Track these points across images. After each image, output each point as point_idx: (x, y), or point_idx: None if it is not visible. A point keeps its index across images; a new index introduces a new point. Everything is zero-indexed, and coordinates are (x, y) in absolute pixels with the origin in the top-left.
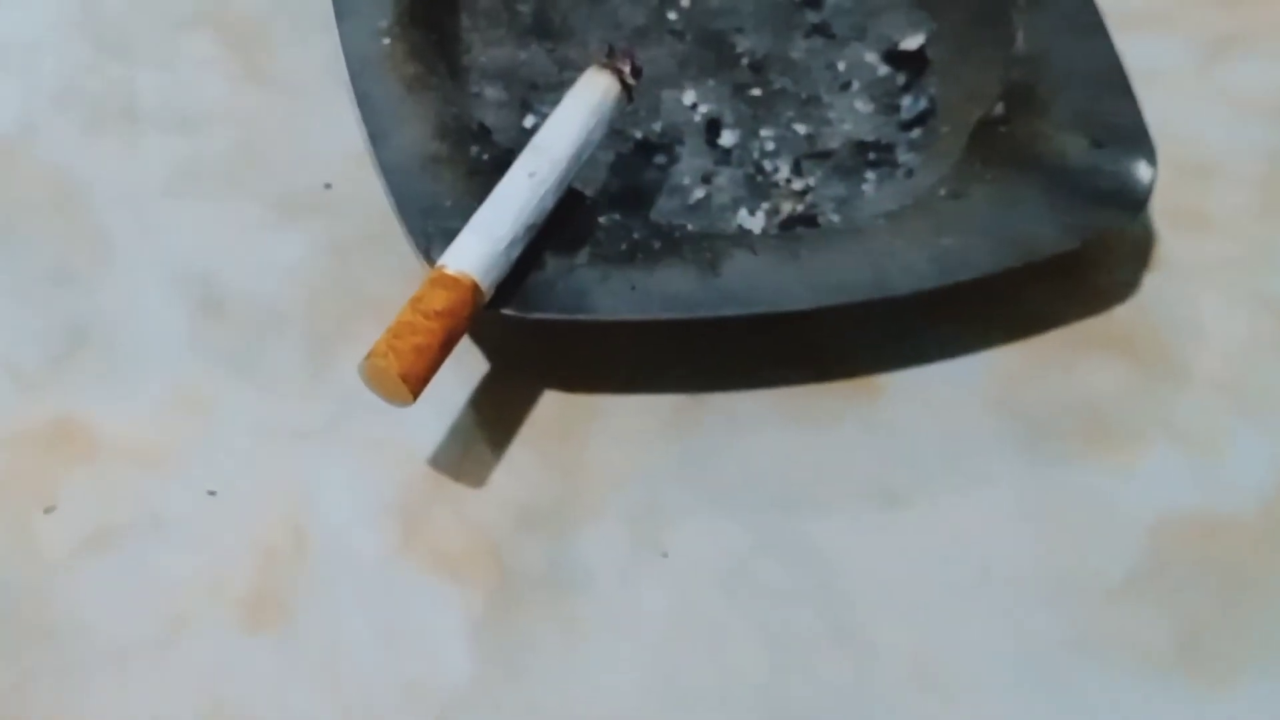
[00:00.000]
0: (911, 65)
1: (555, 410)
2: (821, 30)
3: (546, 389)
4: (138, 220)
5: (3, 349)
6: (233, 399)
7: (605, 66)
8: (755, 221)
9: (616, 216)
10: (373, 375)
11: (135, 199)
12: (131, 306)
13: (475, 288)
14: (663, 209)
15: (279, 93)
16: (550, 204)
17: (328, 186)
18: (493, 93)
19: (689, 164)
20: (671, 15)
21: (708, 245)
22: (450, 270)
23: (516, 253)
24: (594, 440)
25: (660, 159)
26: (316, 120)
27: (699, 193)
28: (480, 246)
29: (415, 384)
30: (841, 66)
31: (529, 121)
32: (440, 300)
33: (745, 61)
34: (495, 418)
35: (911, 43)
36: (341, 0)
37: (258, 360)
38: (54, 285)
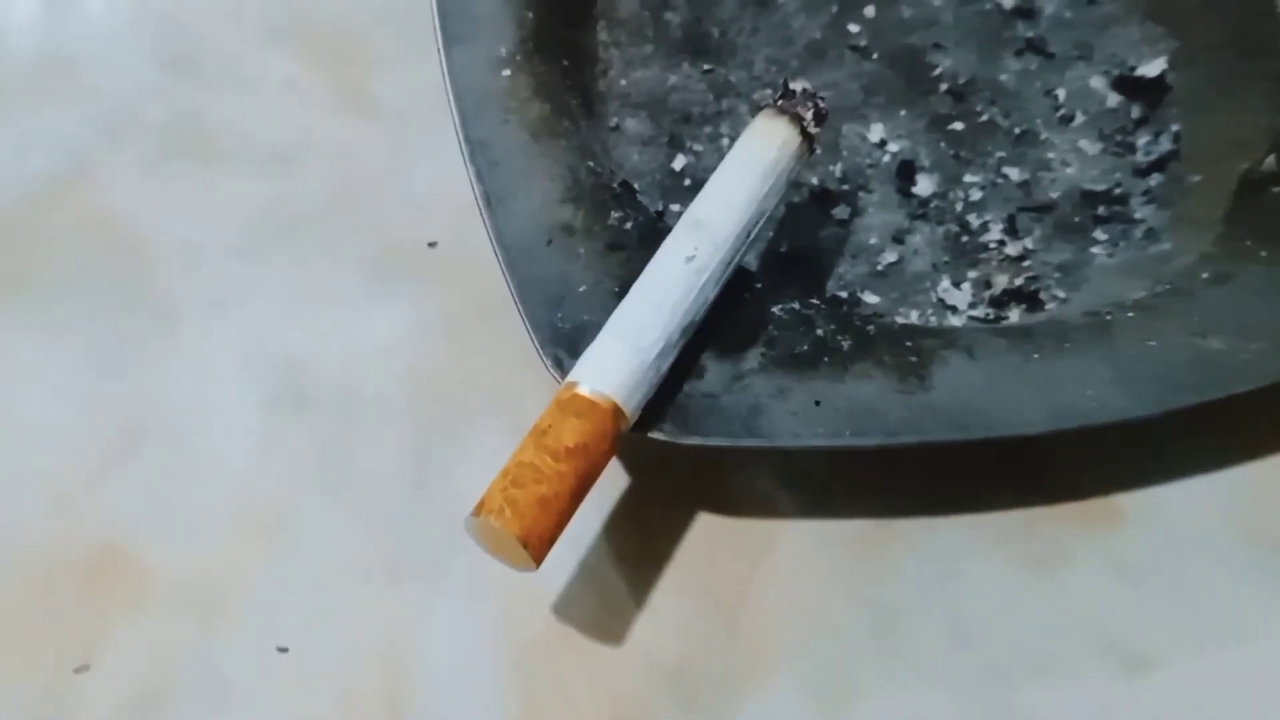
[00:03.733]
0: (1149, 95)
1: (711, 541)
2: (1036, 47)
3: (700, 512)
4: (206, 285)
5: (36, 456)
6: (314, 523)
7: (781, 111)
8: (961, 296)
9: (795, 305)
10: (485, 535)
11: (204, 258)
12: (194, 399)
13: (617, 413)
14: (844, 277)
15: (376, 123)
16: (712, 294)
17: (432, 245)
18: (635, 126)
19: (877, 219)
20: (854, 27)
21: (912, 345)
22: (585, 391)
23: (669, 362)
24: (760, 581)
25: (841, 211)
26: (420, 158)
27: (889, 256)
28: (624, 358)
29: (539, 548)
30: (1062, 94)
31: (679, 163)
32: (572, 433)
33: (944, 87)
34: (638, 551)
35: (1150, 67)
36: (451, 21)
37: (347, 470)
38: (101, 372)
